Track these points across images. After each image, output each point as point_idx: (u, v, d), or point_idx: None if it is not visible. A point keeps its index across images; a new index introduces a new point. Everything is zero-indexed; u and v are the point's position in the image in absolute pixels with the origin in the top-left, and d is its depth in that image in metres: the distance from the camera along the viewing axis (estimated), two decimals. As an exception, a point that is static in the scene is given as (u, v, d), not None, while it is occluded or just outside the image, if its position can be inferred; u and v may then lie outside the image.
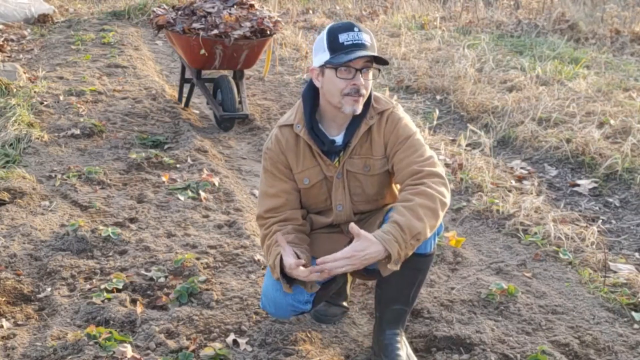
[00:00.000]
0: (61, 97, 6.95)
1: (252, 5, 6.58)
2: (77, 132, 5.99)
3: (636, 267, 3.98)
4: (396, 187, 3.06)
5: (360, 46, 2.74)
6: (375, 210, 3.05)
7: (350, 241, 3.00)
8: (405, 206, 2.69)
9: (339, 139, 2.92)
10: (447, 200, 2.76)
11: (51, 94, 7.05)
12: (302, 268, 2.71)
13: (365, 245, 2.64)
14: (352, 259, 2.63)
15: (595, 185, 5.16)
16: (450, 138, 6.15)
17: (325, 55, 2.77)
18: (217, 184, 5.00)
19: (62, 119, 6.34)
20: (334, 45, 2.75)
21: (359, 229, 2.68)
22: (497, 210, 4.63)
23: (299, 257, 2.79)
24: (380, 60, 2.80)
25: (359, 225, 3.01)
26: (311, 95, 2.92)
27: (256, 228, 4.35)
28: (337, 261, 2.64)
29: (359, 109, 2.82)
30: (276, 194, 2.97)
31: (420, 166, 2.79)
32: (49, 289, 3.64)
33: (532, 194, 4.91)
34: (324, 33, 2.81)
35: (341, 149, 2.93)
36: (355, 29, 2.77)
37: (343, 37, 2.74)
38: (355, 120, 2.89)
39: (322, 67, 2.80)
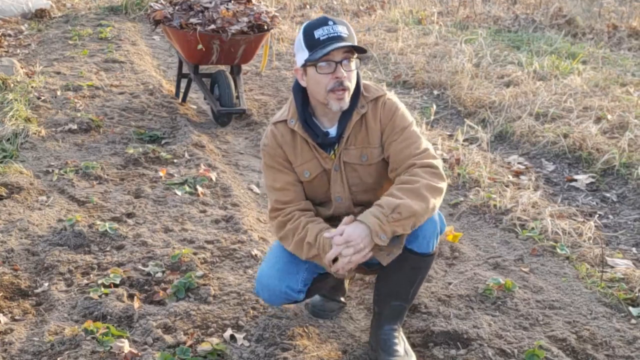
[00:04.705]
0: (58, 92, 6.94)
1: (249, 0, 6.56)
2: (75, 127, 5.98)
3: (633, 262, 3.99)
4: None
5: (337, 38, 2.73)
6: (375, 200, 3.04)
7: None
8: (387, 193, 2.77)
9: (332, 130, 2.92)
10: (439, 185, 2.76)
11: (48, 89, 7.04)
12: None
13: (351, 228, 2.71)
14: (351, 244, 2.68)
15: (593, 180, 5.16)
16: (448, 133, 6.15)
17: (305, 54, 2.78)
18: (214, 179, 5.00)
19: (60, 114, 6.33)
20: (310, 42, 2.76)
21: (350, 219, 2.78)
22: (495, 205, 4.64)
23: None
24: (359, 49, 2.80)
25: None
26: (301, 89, 2.92)
27: (253, 223, 4.35)
28: (345, 251, 2.70)
29: (346, 104, 2.82)
30: (283, 187, 2.96)
31: (415, 159, 2.81)
32: (46, 284, 3.64)
33: (529, 189, 4.91)
34: (300, 32, 2.81)
35: (336, 141, 2.93)
36: (330, 23, 2.77)
37: (318, 33, 2.74)
38: (347, 112, 2.88)
39: (304, 66, 2.81)
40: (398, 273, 2.86)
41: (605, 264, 3.92)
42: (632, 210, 4.73)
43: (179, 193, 4.75)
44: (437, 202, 2.77)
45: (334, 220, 3.06)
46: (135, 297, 3.49)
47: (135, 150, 5.44)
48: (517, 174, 5.29)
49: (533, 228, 4.33)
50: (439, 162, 2.83)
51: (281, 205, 2.96)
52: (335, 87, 2.76)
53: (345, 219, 2.79)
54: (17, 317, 3.36)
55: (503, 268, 3.91)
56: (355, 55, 2.81)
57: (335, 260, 2.77)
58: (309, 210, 2.97)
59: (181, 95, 7.10)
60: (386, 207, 2.68)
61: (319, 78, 2.77)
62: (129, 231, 4.19)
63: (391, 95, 2.95)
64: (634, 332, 3.29)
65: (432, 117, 6.13)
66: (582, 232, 4.27)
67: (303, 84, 2.87)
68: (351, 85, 2.81)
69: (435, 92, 7.40)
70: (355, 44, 2.78)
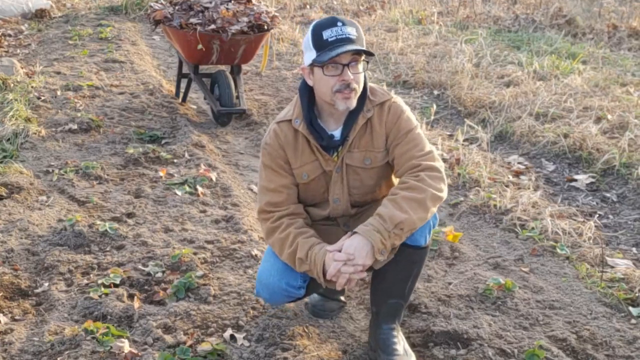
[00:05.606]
0: (58, 92, 6.94)
1: (249, 0, 6.56)
2: (75, 127, 5.98)
3: (634, 262, 3.99)
4: (395, 180, 3.06)
5: (345, 40, 2.72)
6: (372, 202, 3.04)
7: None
8: (390, 199, 2.75)
9: (337, 133, 2.92)
10: (442, 194, 2.78)
11: (48, 89, 7.04)
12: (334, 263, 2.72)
13: (350, 243, 2.71)
14: (352, 262, 2.69)
15: (593, 180, 5.16)
16: (448, 133, 6.15)
17: (312, 54, 2.76)
18: (214, 179, 5.00)
19: (60, 114, 6.33)
20: (319, 43, 2.74)
21: (349, 234, 2.76)
22: (495, 205, 4.64)
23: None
24: (367, 52, 2.79)
25: (355, 220, 3.03)
26: (307, 89, 2.91)
27: (253, 223, 4.35)
28: (342, 271, 2.70)
29: (353, 104, 2.81)
30: (276, 188, 2.96)
31: (419, 160, 2.81)
32: (46, 284, 3.64)
33: (529, 189, 4.91)
34: (309, 31, 2.80)
35: (340, 144, 2.92)
36: (339, 24, 2.75)
37: (327, 34, 2.73)
38: (353, 115, 2.88)
39: (311, 65, 2.80)
40: (393, 269, 2.87)
41: (605, 264, 3.92)
42: (632, 210, 4.73)
43: (179, 193, 4.75)
44: (436, 208, 2.80)
45: (329, 221, 3.07)
46: (135, 297, 3.49)
47: (135, 150, 5.44)
48: (517, 174, 5.29)
49: (533, 228, 4.32)
50: (442, 165, 2.85)
51: (271, 207, 2.95)
52: (341, 89, 2.75)
53: (344, 237, 2.79)
54: (17, 317, 3.36)
55: (503, 268, 3.91)
56: (363, 57, 2.79)
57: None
58: (299, 214, 2.97)
59: (181, 95, 7.10)
60: (389, 222, 2.68)
61: (326, 79, 2.76)
62: (129, 231, 4.19)
63: (397, 99, 2.95)
64: (634, 332, 3.29)
65: (432, 117, 6.14)
66: (582, 232, 4.26)
67: (310, 82, 2.86)
68: (358, 87, 2.81)
69: (435, 92, 7.40)
70: (364, 46, 2.77)
